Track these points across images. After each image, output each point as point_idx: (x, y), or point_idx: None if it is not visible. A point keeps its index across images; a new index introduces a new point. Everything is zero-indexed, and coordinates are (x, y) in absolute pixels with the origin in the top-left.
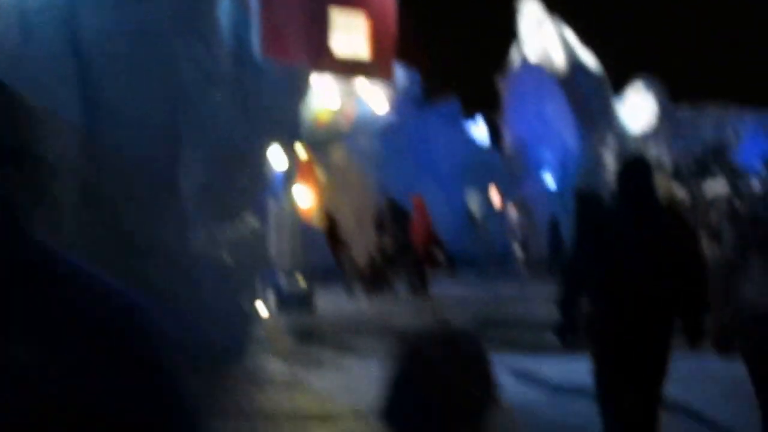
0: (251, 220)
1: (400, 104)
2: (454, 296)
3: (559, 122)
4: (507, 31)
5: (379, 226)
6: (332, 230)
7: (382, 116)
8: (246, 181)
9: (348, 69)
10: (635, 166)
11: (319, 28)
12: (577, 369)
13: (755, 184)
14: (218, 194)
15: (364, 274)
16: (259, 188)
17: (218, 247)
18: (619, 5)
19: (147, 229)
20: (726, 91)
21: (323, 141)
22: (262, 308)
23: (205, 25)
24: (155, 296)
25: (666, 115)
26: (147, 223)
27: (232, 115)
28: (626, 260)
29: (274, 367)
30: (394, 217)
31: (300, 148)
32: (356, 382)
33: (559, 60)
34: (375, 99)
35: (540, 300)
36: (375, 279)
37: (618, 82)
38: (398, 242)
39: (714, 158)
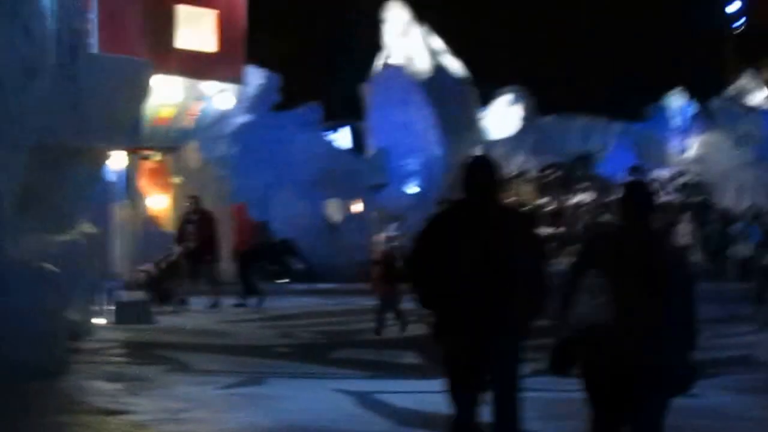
0: (84, 225)
1: (256, 107)
2: (305, 308)
3: (422, 129)
4: (371, 38)
5: (180, 234)
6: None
7: (235, 118)
8: (78, 182)
9: (193, 67)
10: (477, 164)
11: (164, 23)
12: (427, 393)
13: (618, 196)
14: (42, 195)
15: (149, 284)
16: (94, 190)
17: (40, 253)
18: (489, 16)
19: None
20: (593, 104)
21: (173, 141)
22: (94, 320)
23: (22, 9)
24: None
25: (532, 124)
26: None
27: (60, 110)
28: (462, 260)
29: (95, 387)
30: (198, 226)
31: (147, 149)
32: (183, 406)
33: (423, 66)
34: (224, 99)
35: None
36: (161, 289)
37: (486, 92)
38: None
39: (580, 168)
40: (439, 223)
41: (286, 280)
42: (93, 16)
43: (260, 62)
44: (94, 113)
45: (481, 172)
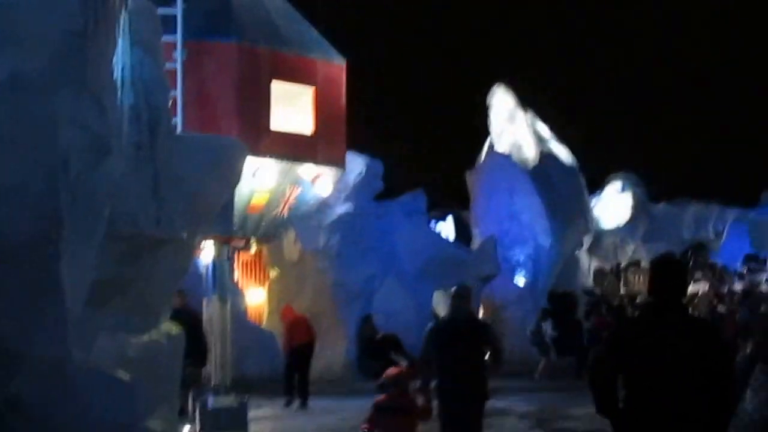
0: (167, 323)
1: (358, 195)
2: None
3: (529, 217)
4: (476, 125)
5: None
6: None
7: (336, 207)
8: (162, 276)
9: (288, 148)
10: (669, 267)
11: (257, 102)
12: None
13: (735, 285)
14: (119, 290)
15: None
16: (181, 284)
17: (118, 356)
18: (596, 101)
19: (16, 336)
20: (707, 190)
21: (269, 231)
22: (182, 428)
23: (93, 80)
24: (27, 418)
25: (644, 211)
26: (17, 327)
27: (138, 195)
28: (658, 370)
29: None
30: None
31: (239, 239)
32: None
33: (530, 153)
34: (322, 186)
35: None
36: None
37: (596, 178)
38: None
39: (694, 256)
40: (633, 329)
41: None
42: (177, 92)
43: (361, 148)
44: (178, 199)
45: (674, 277)
